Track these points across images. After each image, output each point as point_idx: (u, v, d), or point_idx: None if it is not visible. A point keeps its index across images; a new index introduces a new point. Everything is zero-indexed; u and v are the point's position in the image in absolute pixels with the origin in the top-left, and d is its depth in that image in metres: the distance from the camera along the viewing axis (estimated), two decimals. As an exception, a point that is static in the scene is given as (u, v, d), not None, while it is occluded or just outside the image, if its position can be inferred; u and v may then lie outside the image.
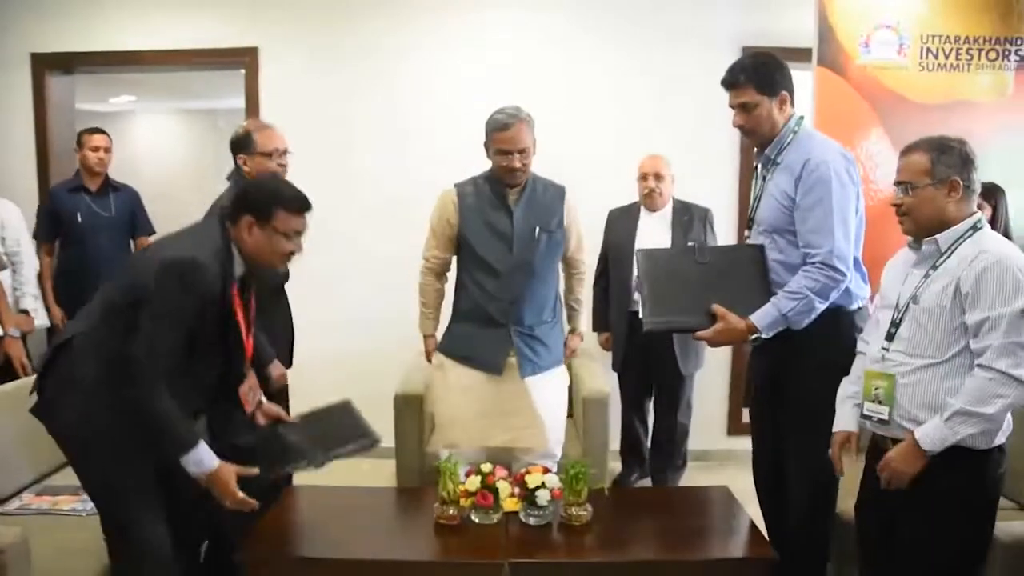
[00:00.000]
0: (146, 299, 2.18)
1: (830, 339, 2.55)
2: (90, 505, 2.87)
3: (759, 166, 2.71)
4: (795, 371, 2.60)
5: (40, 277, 4.33)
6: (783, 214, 2.56)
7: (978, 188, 2.24)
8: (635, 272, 3.51)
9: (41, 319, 4.18)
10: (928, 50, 4.01)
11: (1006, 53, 4.00)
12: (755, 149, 2.72)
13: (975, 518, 2.16)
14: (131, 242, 4.52)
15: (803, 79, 4.09)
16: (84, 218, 4.32)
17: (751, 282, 2.60)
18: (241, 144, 3.20)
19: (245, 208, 2.32)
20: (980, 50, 4.00)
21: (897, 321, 2.24)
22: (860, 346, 2.47)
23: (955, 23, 4.00)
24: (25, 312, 4.08)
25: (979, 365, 2.07)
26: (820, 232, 2.46)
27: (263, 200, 2.31)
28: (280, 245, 2.32)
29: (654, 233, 3.85)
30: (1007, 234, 3.68)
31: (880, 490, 2.26)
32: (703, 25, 4.56)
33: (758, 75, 2.56)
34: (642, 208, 3.94)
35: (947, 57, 4.02)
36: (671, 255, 2.86)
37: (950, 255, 2.18)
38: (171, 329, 2.19)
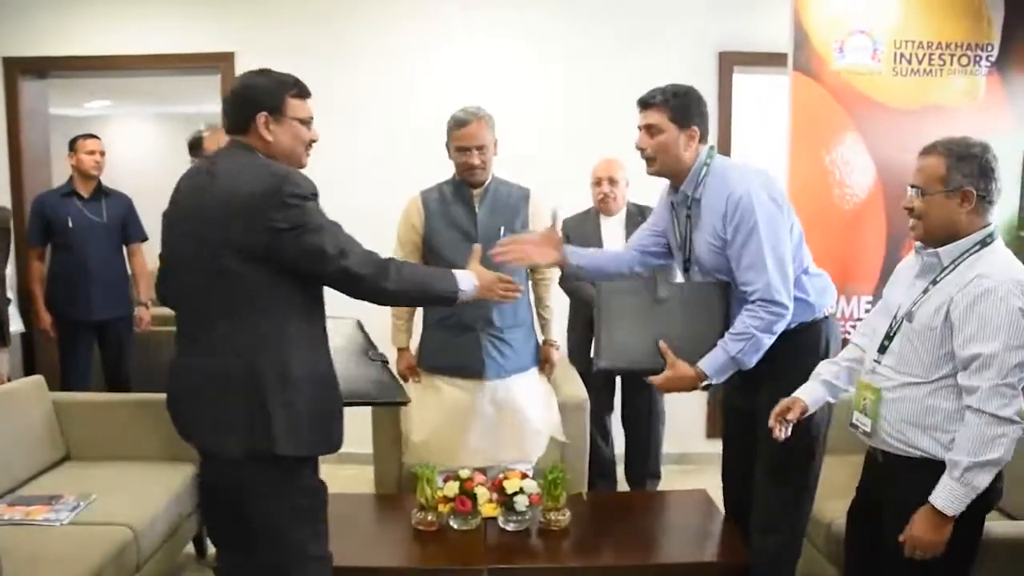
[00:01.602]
0: (298, 229, 2.00)
1: (799, 355, 2.47)
2: (64, 515, 2.85)
3: (673, 203, 2.63)
4: (765, 392, 2.47)
5: (30, 282, 4.33)
6: (719, 255, 2.47)
7: (996, 199, 2.08)
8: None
9: (15, 325, 4.12)
10: (901, 55, 4.05)
11: (977, 59, 4.05)
12: (668, 186, 2.64)
13: (966, 531, 2.08)
14: (123, 248, 4.49)
15: (779, 84, 4.15)
16: (76, 223, 4.29)
17: (710, 322, 2.51)
18: (192, 146, 3.44)
19: (254, 107, 2.12)
20: (952, 55, 4.04)
21: (891, 335, 2.16)
22: (855, 337, 2.39)
23: (928, 29, 4.05)
24: None
25: (969, 408, 1.97)
26: (754, 267, 2.39)
27: (270, 91, 2.15)
28: (302, 133, 2.18)
29: (615, 238, 3.85)
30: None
31: (872, 501, 2.24)
32: (680, 30, 4.59)
33: (675, 101, 2.48)
34: (600, 214, 3.93)
35: (920, 62, 4.06)
36: (630, 288, 2.67)
37: (952, 271, 2.06)
38: (337, 225, 2.09)
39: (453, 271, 2.30)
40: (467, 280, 2.29)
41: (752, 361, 2.43)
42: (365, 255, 2.11)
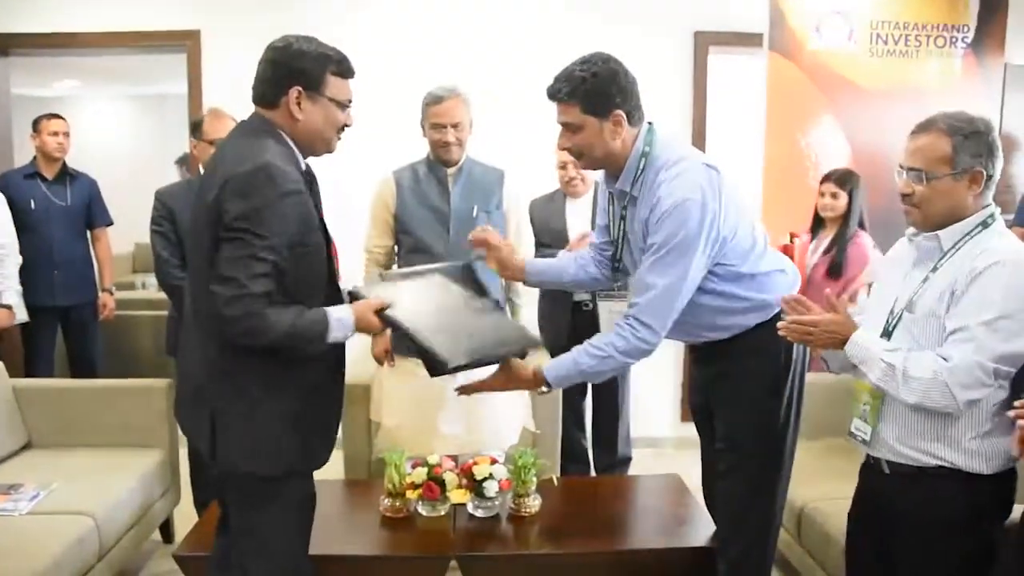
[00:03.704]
0: (223, 232, 1.82)
1: (759, 360, 2.26)
2: (23, 505, 2.79)
3: (613, 197, 2.32)
4: (725, 395, 2.34)
5: None
6: None
7: (998, 177, 1.89)
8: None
9: (23, 315, 4.04)
10: (878, 36, 4.04)
11: (953, 40, 4.04)
12: (604, 175, 2.32)
13: (983, 540, 1.92)
14: (87, 233, 4.40)
15: (755, 65, 4.12)
16: (38, 206, 4.19)
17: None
18: (194, 128, 3.32)
19: (290, 77, 1.93)
20: (928, 36, 4.03)
21: (890, 330, 1.95)
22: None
23: (904, 9, 4.03)
24: (8, 307, 3.96)
25: (937, 367, 1.79)
26: (644, 282, 2.13)
27: (311, 64, 1.94)
28: (335, 116, 1.99)
29: (581, 220, 3.78)
30: (862, 224, 3.68)
31: (877, 514, 2.06)
32: (655, 10, 4.53)
33: (584, 90, 2.12)
34: (566, 197, 3.85)
35: (896, 43, 4.05)
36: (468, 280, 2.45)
37: (953, 254, 1.87)
38: (260, 254, 1.82)
39: (333, 314, 1.94)
40: (343, 322, 1.96)
41: (600, 379, 2.24)
42: (243, 303, 1.80)
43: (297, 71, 1.94)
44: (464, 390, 2.27)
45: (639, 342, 2.12)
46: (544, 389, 2.21)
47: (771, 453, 2.31)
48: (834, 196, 3.65)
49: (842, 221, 3.66)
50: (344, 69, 2.01)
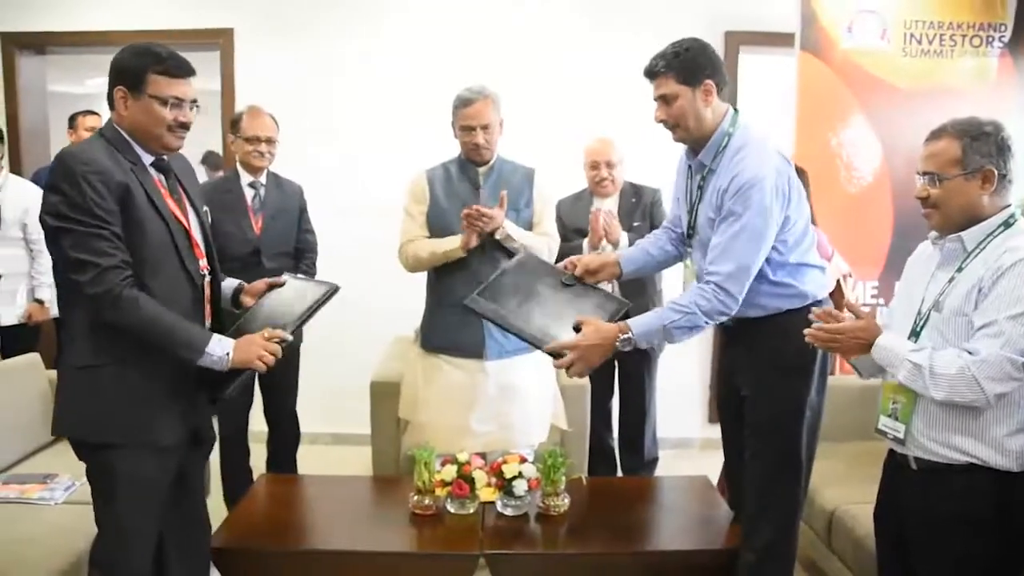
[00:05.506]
0: (52, 223, 1.97)
1: (788, 340, 2.27)
2: (58, 494, 2.83)
3: (690, 168, 2.49)
4: (753, 374, 2.41)
5: None
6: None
7: (1014, 177, 1.96)
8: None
9: (56, 310, 4.11)
10: (911, 35, 3.99)
11: (989, 39, 3.98)
12: (686, 149, 2.49)
13: (1006, 542, 1.92)
14: None
15: (786, 64, 4.08)
16: None
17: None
18: (233, 125, 3.41)
19: (116, 79, 2.07)
20: (964, 36, 3.98)
21: (918, 330, 2.00)
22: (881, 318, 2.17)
23: (938, 8, 3.99)
24: (40, 302, 4.03)
25: (963, 362, 1.84)
26: (726, 252, 2.28)
27: (133, 66, 2.05)
28: (159, 113, 2.05)
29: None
30: (813, 220, 3.60)
31: (900, 509, 2.08)
32: (686, 9, 4.52)
33: (678, 62, 2.32)
34: (593, 196, 3.84)
35: (931, 43, 4.00)
36: (539, 264, 2.71)
37: (977, 254, 1.93)
38: (95, 231, 1.95)
39: (215, 336, 2.09)
40: (222, 344, 2.08)
41: (682, 338, 2.34)
42: (104, 278, 1.94)
43: (119, 73, 2.07)
44: (550, 349, 2.37)
45: (720, 304, 2.29)
46: (626, 336, 2.31)
47: (795, 436, 2.37)
48: None
49: None
50: (168, 68, 2.07)
